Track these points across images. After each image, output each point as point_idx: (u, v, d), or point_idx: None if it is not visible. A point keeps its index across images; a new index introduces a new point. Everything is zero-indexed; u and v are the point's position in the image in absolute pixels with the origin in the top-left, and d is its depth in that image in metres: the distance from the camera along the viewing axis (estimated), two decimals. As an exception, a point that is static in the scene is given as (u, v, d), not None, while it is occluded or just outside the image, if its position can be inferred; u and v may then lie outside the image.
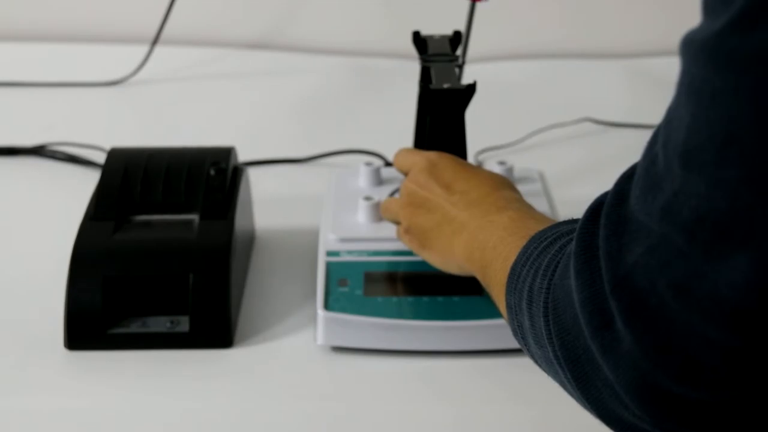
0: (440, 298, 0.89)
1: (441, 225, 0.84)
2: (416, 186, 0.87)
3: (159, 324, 0.89)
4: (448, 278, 0.87)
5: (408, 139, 1.01)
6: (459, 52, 0.98)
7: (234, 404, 0.84)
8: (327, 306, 0.88)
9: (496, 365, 0.87)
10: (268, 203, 1.09)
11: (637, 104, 1.34)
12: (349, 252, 0.94)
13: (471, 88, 0.89)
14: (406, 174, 0.90)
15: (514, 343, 0.72)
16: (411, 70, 1.13)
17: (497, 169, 1.01)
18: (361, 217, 0.97)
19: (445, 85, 0.90)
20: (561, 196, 1.05)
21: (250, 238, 1.03)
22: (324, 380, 0.86)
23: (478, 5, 0.95)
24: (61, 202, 1.09)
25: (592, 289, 0.57)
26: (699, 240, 0.51)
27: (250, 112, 1.33)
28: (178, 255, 0.90)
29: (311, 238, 1.00)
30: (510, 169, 1.03)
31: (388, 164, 1.12)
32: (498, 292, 0.73)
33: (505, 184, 0.85)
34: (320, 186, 1.06)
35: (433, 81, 0.91)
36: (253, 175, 1.10)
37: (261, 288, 0.97)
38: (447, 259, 0.84)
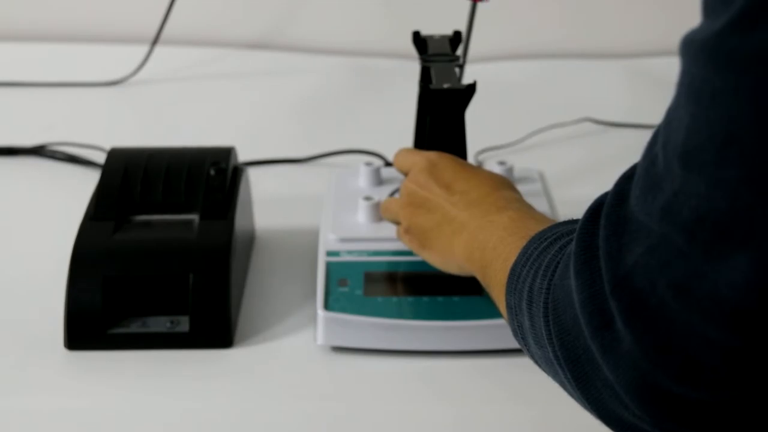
0: (440, 298, 0.89)
1: (441, 225, 0.84)
2: (416, 186, 0.87)
3: (159, 324, 0.89)
4: (448, 278, 0.87)
5: (408, 139, 1.01)
6: (460, 52, 0.98)
7: (234, 404, 0.84)
8: (327, 306, 0.88)
9: (496, 365, 0.87)
10: (268, 203, 1.09)
11: (637, 104, 1.34)
12: (349, 252, 0.94)
13: (471, 88, 0.89)
14: (406, 174, 0.90)
15: (514, 343, 0.72)
16: (411, 70, 1.13)
17: (497, 169, 1.01)
18: (361, 217, 0.97)
19: (445, 85, 0.90)
20: (561, 196, 1.05)
21: (250, 238, 1.03)
22: (324, 380, 0.86)
23: (479, 5, 0.95)
24: (61, 202, 1.09)
25: (592, 290, 0.57)
26: (699, 240, 0.51)
27: (250, 112, 1.33)
28: (178, 255, 0.90)
29: (311, 238, 1.00)
30: (510, 169, 1.03)
31: (388, 164, 1.12)
32: (498, 293, 0.73)
33: (505, 184, 0.85)
34: (320, 186, 1.06)
35: (433, 81, 0.91)
36: (253, 175, 1.10)
37: (261, 288, 0.97)
38: (447, 259, 0.84)
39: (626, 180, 0.57)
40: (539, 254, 0.66)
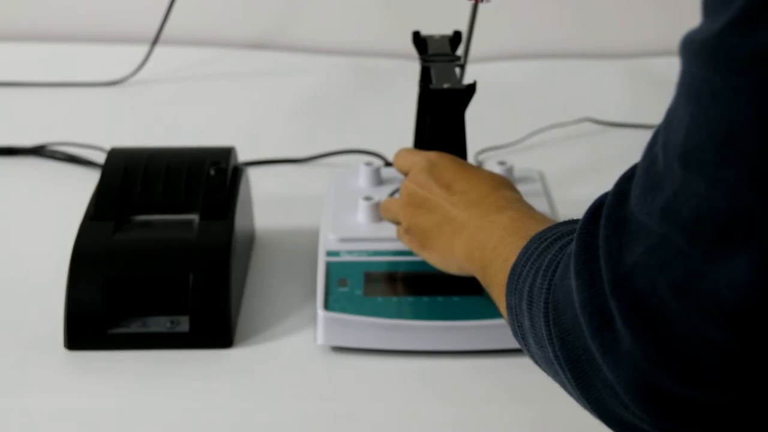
0: (440, 298, 0.89)
1: (441, 225, 0.84)
2: (416, 186, 0.87)
3: (159, 324, 0.89)
4: (448, 278, 0.87)
5: (408, 139, 1.01)
6: (460, 52, 0.98)
7: (234, 404, 0.84)
8: (327, 306, 0.88)
9: (496, 365, 0.87)
10: (268, 203, 1.09)
11: (637, 104, 1.33)
12: (349, 252, 0.94)
13: (471, 88, 0.89)
14: (406, 174, 0.90)
15: (514, 343, 0.72)
16: (411, 70, 1.13)
17: (497, 169, 1.01)
18: (361, 217, 0.97)
19: (445, 85, 0.90)
20: (561, 196, 1.05)
21: (250, 238, 1.03)
22: (324, 380, 0.86)
23: (480, 5, 0.95)
24: (61, 202, 1.09)
25: (592, 290, 0.57)
26: (699, 240, 0.51)
27: (250, 112, 1.33)
28: (178, 255, 0.90)
29: (311, 238, 1.00)
30: (510, 169, 1.03)
31: (388, 164, 1.12)
32: (498, 293, 0.73)
33: (505, 184, 0.85)
34: (320, 186, 1.06)
35: (433, 81, 0.91)
36: (253, 175, 1.10)
37: (261, 288, 0.97)
38: (447, 259, 0.84)
39: (626, 180, 0.57)
40: (539, 254, 0.66)
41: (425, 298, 0.89)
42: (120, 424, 0.83)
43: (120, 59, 1.41)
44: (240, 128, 1.26)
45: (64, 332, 0.88)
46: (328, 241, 0.95)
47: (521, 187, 0.89)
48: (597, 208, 0.59)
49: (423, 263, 0.88)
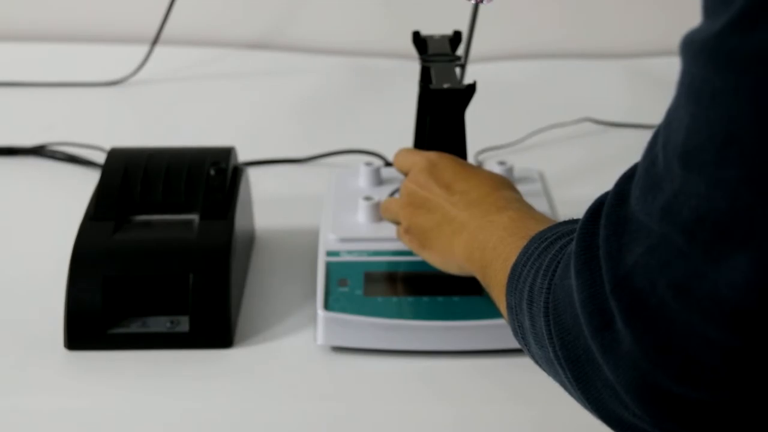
0: (440, 298, 0.89)
1: (441, 225, 0.84)
2: (416, 186, 0.87)
3: (159, 324, 0.89)
4: (448, 278, 0.87)
5: (408, 139, 1.01)
6: (460, 52, 0.98)
7: (234, 404, 0.84)
8: (327, 306, 0.88)
9: (496, 365, 0.87)
10: (268, 203, 1.09)
11: (637, 104, 1.33)
12: (349, 252, 0.94)
13: (471, 88, 0.89)
14: (406, 174, 0.90)
15: (514, 343, 0.72)
16: (411, 70, 1.13)
17: (497, 169, 1.01)
18: (361, 217, 0.97)
19: (445, 85, 0.90)
20: (561, 196, 1.05)
21: (250, 238, 1.03)
22: (324, 380, 0.86)
23: (480, 6, 0.95)
24: (61, 202, 1.09)
25: (593, 290, 0.57)
26: (699, 240, 0.51)
27: (250, 112, 1.32)
28: (178, 255, 0.90)
29: (311, 238, 1.00)
30: (510, 169, 1.03)
31: (388, 164, 1.12)
32: (498, 293, 0.73)
33: (505, 184, 0.85)
34: (320, 186, 1.06)
35: (433, 81, 0.91)
36: (253, 175, 1.10)
37: (261, 288, 0.97)
38: (447, 259, 0.84)
39: (626, 180, 0.57)
40: (540, 254, 0.66)
41: (425, 298, 0.89)
42: (120, 424, 0.83)
43: (120, 59, 1.41)
44: (240, 128, 1.26)
45: (64, 332, 0.88)
46: (328, 241, 0.95)
47: (521, 187, 0.89)
48: (597, 208, 0.59)
49: (423, 263, 0.88)
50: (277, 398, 0.84)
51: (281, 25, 1.49)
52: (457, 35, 0.99)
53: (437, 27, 1.01)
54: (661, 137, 0.54)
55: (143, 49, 1.41)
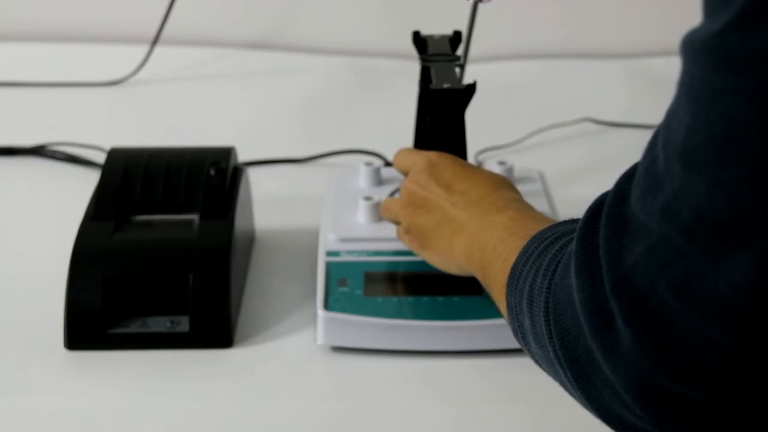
0: (440, 298, 0.89)
1: (441, 225, 0.84)
2: (416, 186, 0.87)
3: (159, 324, 0.89)
4: (448, 278, 0.87)
5: (408, 139, 1.01)
6: (460, 52, 0.98)
7: (234, 404, 0.84)
8: (327, 306, 0.88)
9: (496, 365, 0.87)
10: (268, 203, 1.09)
11: (637, 104, 1.34)
12: (349, 252, 0.94)
13: (471, 88, 0.89)
14: (406, 174, 0.90)
15: (514, 343, 0.72)
16: (411, 70, 1.13)
17: (497, 169, 1.01)
18: (361, 217, 0.97)
19: (445, 85, 0.90)
20: (561, 196, 1.05)
21: (250, 238, 1.03)
22: (324, 380, 0.86)
23: (480, 6, 0.95)
24: (61, 202, 1.09)
25: (593, 289, 0.57)
26: (699, 240, 0.51)
27: (250, 112, 1.33)
28: (178, 255, 0.90)
29: (311, 238, 1.00)
30: (510, 169, 1.03)
31: (388, 164, 1.12)
32: (498, 292, 0.73)
33: (505, 184, 0.85)
34: (320, 186, 1.06)
35: (433, 81, 0.91)
36: (253, 175, 1.10)
37: (261, 288, 0.97)
38: (447, 259, 0.84)
39: (627, 180, 0.57)
40: (540, 254, 0.66)
41: (425, 298, 0.89)
42: (120, 424, 0.83)
43: (120, 59, 1.41)
44: (240, 128, 1.26)
45: (64, 332, 0.88)
46: (328, 241, 0.95)
47: (521, 187, 0.89)
48: (597, 207, 0.59)
49: (423, 263, 0.88)
50: (277, 398, 0.84)
51: (281, 25, 1.49)
52: (456, 35, 0.99)
53: (437, 27, 1.01)
54: (661, 137, 0.54)
55: (143, 49, 1.41)
